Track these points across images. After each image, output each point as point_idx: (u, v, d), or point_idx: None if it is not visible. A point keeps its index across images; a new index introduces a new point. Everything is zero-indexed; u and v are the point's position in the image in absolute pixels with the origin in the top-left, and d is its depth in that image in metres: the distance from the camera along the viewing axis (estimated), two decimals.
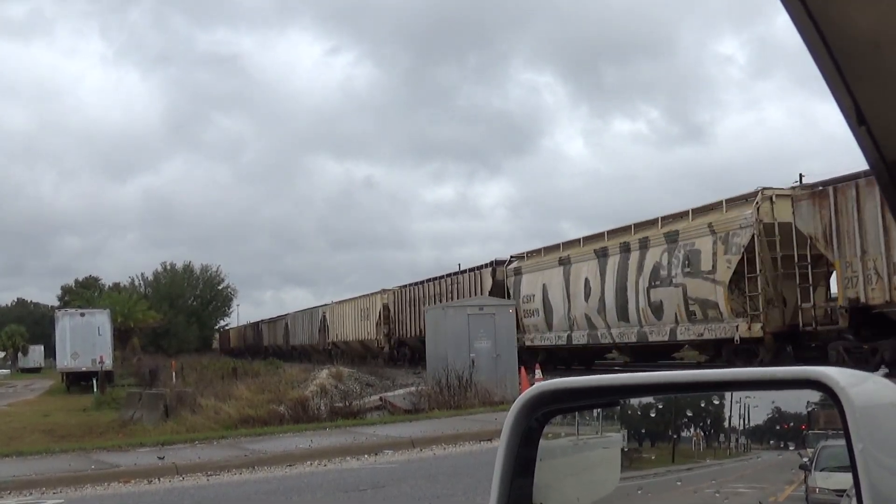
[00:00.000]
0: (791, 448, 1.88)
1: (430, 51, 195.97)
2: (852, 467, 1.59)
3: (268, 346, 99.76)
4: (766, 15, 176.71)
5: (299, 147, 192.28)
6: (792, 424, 1.88)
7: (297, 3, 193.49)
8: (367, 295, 66.06)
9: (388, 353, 59.63)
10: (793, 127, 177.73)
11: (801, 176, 29.17)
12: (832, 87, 1.64)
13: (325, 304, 78.65)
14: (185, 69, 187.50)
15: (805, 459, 1.85)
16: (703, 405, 2.02)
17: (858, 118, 1.67)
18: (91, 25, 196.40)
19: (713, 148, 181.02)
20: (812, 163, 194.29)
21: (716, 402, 2.00)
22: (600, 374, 2.37)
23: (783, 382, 1.84)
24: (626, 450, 2.04)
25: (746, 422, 1.93)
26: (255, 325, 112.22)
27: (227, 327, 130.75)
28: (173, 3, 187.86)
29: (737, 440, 1.95)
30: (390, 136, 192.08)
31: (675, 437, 2.02)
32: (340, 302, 73.84)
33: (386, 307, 61.36)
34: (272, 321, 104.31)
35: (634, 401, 2.08)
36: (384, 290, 63.14)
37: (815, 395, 1.82)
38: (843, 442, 1.75)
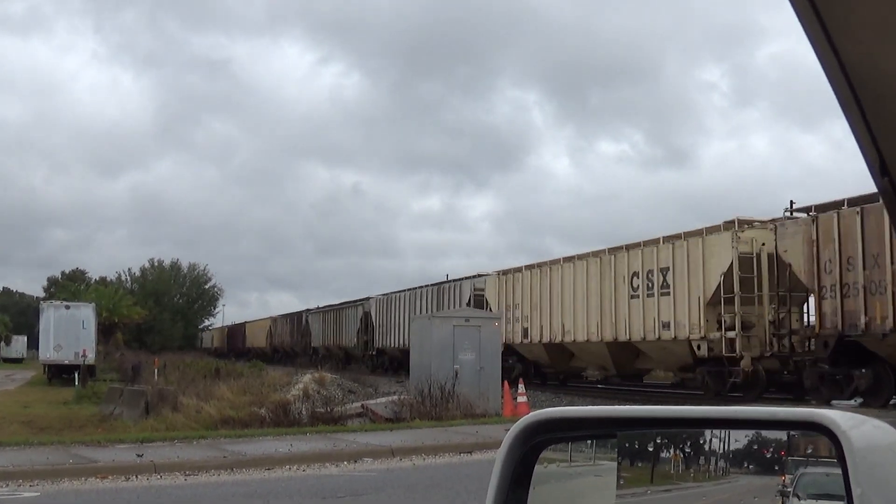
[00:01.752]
0: (770, 474, 1.89)
1: (417, 65, 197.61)
2: None
3: (319, 347, 70.64)
4: (748, 46, 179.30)
5: (288, 153, 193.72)
6: (772, 450, 1.89)
7: (289, 13, 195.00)
8: (596, 254, 38.68)
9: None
10: (774, 156, 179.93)
11: (791, 203, 29.24)
12: (858, 138, 1.67)
13: (478, 276, 50.74)
14: (177, 72, 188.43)
15: (783, 486, 1.87)
16: (690, 438, 2.03)
17: (882, 169, 1.70)
18: (86, 24, 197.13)
19: (696, 173, 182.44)
20: (793, 192, 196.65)
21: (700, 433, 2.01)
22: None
23: (784, 423, 1.86)
24: (620, 481, 2.04)
25: (726, 446, 1.94)
26: (297, 318, 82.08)
27: (210, 325, 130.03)
28: (167, 7, 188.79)
29: (716, 464, 1.96)
30: (378, 146, 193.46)
31: (656, 458, 2.03)
32: (516, 271, 45.81)
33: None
34: (333, 310, 72.17)
35: (630, 434, 2.09)
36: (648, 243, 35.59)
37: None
38: (822, 469, 1.77)
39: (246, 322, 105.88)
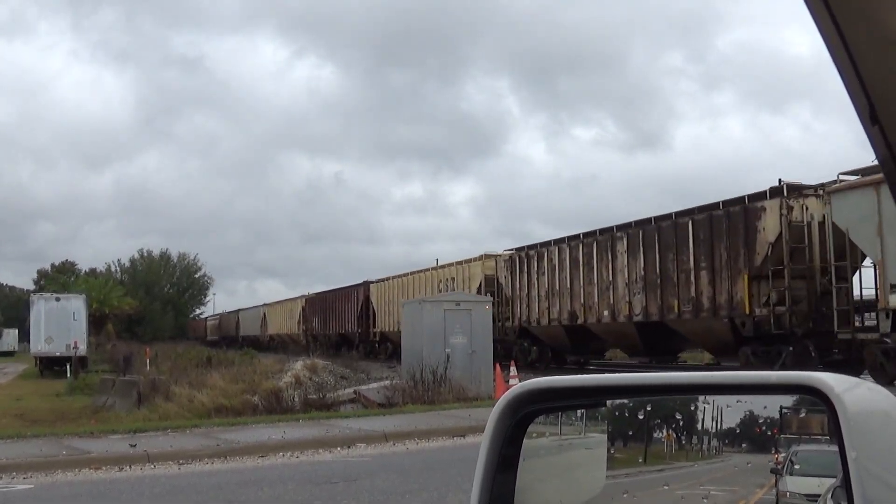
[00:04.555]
0: (763, 451, 1.88)
1: (388, 57, 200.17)
2: (844, 475, 1.58)
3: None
4: (709, 33, 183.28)
5: (269, 144, 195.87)
6: (765, 428, 1.88)
7: (261, 11, 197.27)
8: None
9: None
10: (747, 138, 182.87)
11: (779, 181, 29.33)
12: (847, 85, 1.66)
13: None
14: (156, 69, 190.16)
15: (776, 464, 1.86)
16: (680, 406, 2.01)
17: (872, 117, 1.69)
18: (66, 24, 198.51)
19: (671, 155, 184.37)
20: (769, 173, 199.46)
21: (689, 404, 1.99)
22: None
23: (776, 387, 1.83)
24: (611, 451, 2.03)
25: (719, 424, 1.93)
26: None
27: (201, 313, 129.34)
28: (143, 6, 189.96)
29: (709, 442, 1.95)
30: (356, 135, 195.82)
31: (648, 438, 2.02)
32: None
33: None
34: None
35: (620, 402, 2.07)
36: None
37: (788, 400, 1.83)
38: (815, 446, 1.76)
39: (368, 281, 62.45)
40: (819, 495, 1.79)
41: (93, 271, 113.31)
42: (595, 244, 37.41)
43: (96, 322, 72.26)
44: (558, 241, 40.92)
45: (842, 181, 26.34)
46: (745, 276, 28.82)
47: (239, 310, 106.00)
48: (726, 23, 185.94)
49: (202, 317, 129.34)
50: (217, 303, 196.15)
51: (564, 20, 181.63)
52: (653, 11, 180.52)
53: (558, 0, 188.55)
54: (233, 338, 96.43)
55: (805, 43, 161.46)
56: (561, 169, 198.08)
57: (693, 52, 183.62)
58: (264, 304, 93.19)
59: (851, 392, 1.67)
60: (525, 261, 43.07)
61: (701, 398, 1.97)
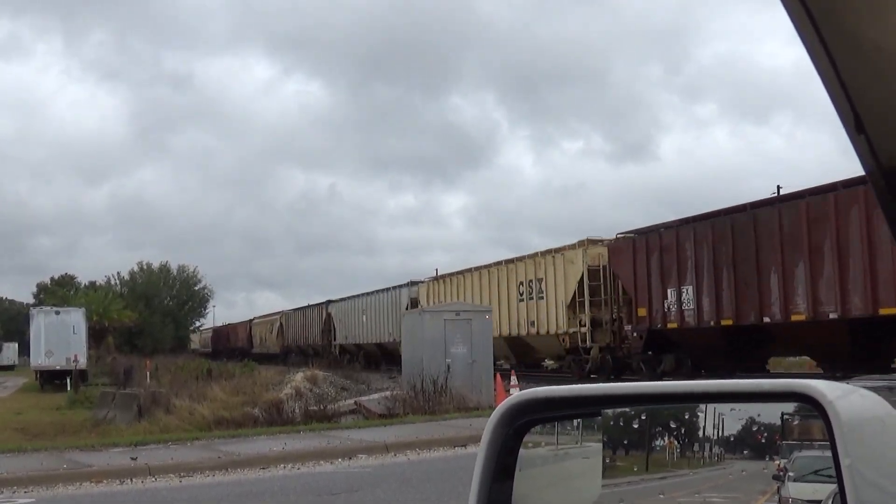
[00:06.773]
0: (764, 458, 1.88)
1: (377, 73, 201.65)
2: (839, 482, 1.58)
3: None
4: (689, 46, 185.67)
5: (263, 159, 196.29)
6: (766, 434, 1.88)
7: (251, 29, 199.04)
8: None
9: None
10: (732, 148, 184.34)
11: (778, 188, 29.74)
12: (831, 94, 1.65)
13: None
14: (149, 87, 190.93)
15: (778, 470, 1.86)
16: (677, 414, 2.01)
17: (857, 125, 1.68)
18: (59, 44, 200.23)
19: (658, 165, 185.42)
20: (756, 181, 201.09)
21: (689, 412, 1.99)
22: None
23: (769, 395, 1.83)
24: (606, 460, 2.03)
25: (720, 431, 1.93)
26: None
27: (202, 325, 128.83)
28: (135, 27, 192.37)
29: (710, 449, 1.94)
30: (347, 149, 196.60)
31: (649, 446, 2.02)
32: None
33: None
34: None
35: (615, 411, 2.07)
36: None
37: (789, 406, 1.83)
38: (816, 452, 1.76)
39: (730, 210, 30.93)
40: (821, 501, 1.79)
41: (92, 284, 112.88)
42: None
43: (96, 335, 72.08)
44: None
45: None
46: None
47: (328, 301, 69.62)
48: (705, 36, 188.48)
49: (204, 326, 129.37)
50: (216, 315, 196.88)
51: (547, 35, 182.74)
52: (633, 25, 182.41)
53: (540, 15, 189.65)
54: (317, 348, 66.95)
55: (784, 55, 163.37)
56: (551, 179, 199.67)
57: (674, 64, 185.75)
58: (410, 283, 56.61)
59: (844, 399, 1.67)
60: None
61: (701, 416, 1.97)
